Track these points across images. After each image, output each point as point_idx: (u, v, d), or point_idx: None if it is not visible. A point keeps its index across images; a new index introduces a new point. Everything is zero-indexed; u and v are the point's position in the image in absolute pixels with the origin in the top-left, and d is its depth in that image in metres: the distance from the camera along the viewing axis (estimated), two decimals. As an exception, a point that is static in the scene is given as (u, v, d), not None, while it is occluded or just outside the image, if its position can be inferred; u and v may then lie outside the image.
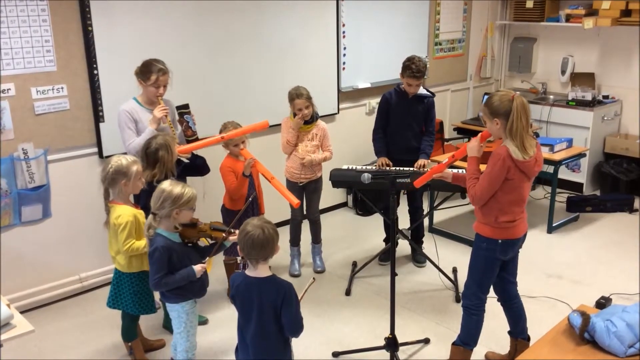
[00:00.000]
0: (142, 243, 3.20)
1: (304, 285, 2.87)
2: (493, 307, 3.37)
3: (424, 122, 4.54)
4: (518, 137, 2.91)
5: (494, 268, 3.17)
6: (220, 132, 4.01)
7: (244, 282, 2.60)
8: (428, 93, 4.53)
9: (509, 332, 3.44)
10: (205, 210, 4.00)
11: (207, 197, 4.46)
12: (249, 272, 2.60)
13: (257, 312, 2.56)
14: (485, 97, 6.44)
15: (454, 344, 3.36)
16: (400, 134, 4.53)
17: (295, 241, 4.68)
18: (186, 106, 4.01)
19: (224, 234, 3.14)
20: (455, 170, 4.21)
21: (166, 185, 2.96)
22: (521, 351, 3.35)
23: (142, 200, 3.48)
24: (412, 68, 4.28)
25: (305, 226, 4.71)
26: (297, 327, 2.59)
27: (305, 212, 4.69)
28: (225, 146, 4.04)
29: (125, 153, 3.70)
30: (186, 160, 3.77)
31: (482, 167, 3.10)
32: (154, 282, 2.97)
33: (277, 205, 4.31)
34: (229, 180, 4.01)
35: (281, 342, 2.64)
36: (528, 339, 3.40)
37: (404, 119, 4.50)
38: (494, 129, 2.98)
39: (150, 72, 3.75)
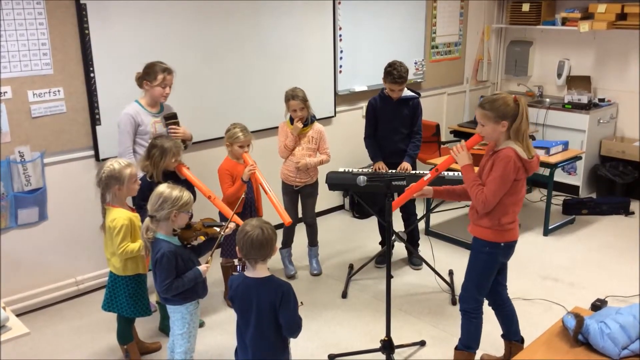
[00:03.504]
0: (136, 245, 3.20)
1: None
2: (487, 310, 3.37)
3: (411, 123, 4.55)
4: (525, 138, 2.95)
5: (494, 271, 3.18)
6: (228, 131, 4.01)
7: (243, 283, 2.62)
8: (413, 94, 4.54)
9: (502, 335, 3.45)
10: (202, 213, 4.00)
11: (203, 200, 4.47)
12: (248, 273, 2.62)
13: (256, 313, 2.57)
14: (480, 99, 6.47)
15: (456, 348, 3.35)
16: (388, 138, 4.55)
17: (286, 243, 4.69)
18: (174, 116, 4.00)
19: (218, 229, 3.17)
20: (451, 174, 4.25)
21: (163, 188, 2.98)
22: (515, 353, 3.35)
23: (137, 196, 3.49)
24: (394, 74, 4.29)
25: (301, 229, 4.72)
26: (294, 328, 2.60)
27: (301, 216, 4.69)
28: (229, 145, 4.03)
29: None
30: (182, 178, 3.78)
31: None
32: (164, 288, 2.96)
33: (272, 209, 4.30)
34: (226, 183, 4.00)
35: (280, 342, 2.64)
36: (522, 340, 3.41)
37: (391, 123, 4.52)
38: (498, 130, 2.96)
39: (156, 72, 3.79)
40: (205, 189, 3.70)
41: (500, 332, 3.46)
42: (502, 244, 3.09)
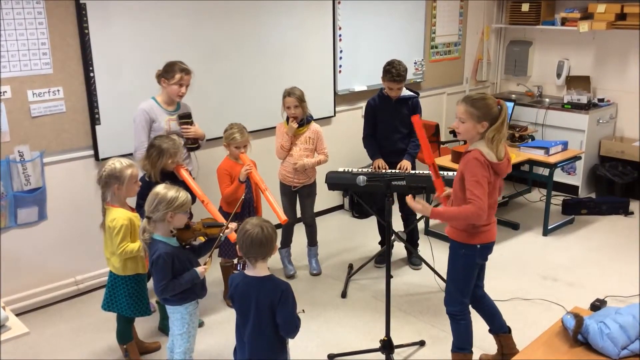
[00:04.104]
0: (135, 246, 3.20)
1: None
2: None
3: (410, 123, 4.54)
4: (501, 142, 2.94)
5: (474, 272, 3.19)
6: (225, 130, 4.04)
7: (243, 281, 2.63)
8: (412, 94, 4.54)
9: (490, 331, 3.46)
10: (202, 214, 4.00)
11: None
12: (248, 272, 2.63)
13: (255, 311, 2.58)
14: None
15: (452, 351, 3.36)
16: (387, 138, 4.55)
17: (285, 243, 4.68)
18: (188, 115, 4.05)
19: (217, 229, 3.16)
20: (451, 173, 4.25)
21: (160, 188, 2.97)
22: (507, 344, 3.37)
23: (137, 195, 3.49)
24: (392, 72, 4.30)
25: (300, 229, 4.72)
26: (291, 328, 2.60)
27: (300, 216, 4.69)
28: (226, 146, 4.05)
29: (123, 155, 3.73)
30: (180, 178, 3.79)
31: (455, 165, 3.08)
32: (160, 289, 2.95)
33: (270, 209, 4.30)
34: (224, 183, 4.01)
35: (277, 341, 2.65)
36: (509, 330, 3.42)
37: (390, 123, 4.52)
38: (477, 130, 2.95)
39: (174, 71, 3.87)
40: (200, 193, 3.69)
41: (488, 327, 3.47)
42: (478, 246, 3.09)
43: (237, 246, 2.60)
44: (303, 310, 2.75)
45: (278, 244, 4.37)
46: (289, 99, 4.29)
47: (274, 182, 4.54)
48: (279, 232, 4.60)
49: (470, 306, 3.36)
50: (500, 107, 2.95)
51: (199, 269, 3.03)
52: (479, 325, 3.38)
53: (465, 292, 3.21)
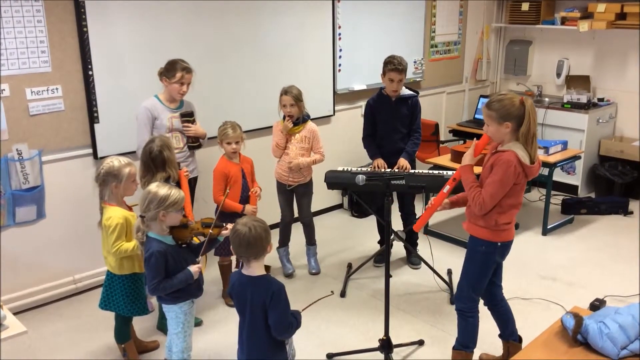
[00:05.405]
0: (130, 245, 3.19)
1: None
2: (485, 309, 3.37)
3: (410, 122, 4.54)
4: (532, 141, 2.93)
5: (490, 270, 3.18)
6: (219, 128, 4.05)
7: (238, 280, 2.63)
8: (411, 93, 4.53)
9: (500, 335, 3.44)
10: (200, 213, 4.00)
11: (202, 200, 4.47)
12: (244, 271, 2.63)
13: (249, 310, 2.58)
14: (483, 99, 6.47)
15: (454, 348, 3.35)
16: (387, 138, 4.53)
17: (284, 242, 4.68)
18: (190, 114, 4.07)
19: (216, 229, 3.14)
20: (450, 173, 4.23)
21: (152, 187, 2.94)
22: (514, 353, 3.35)
23: None
24: (394, 62, 4.29)
25: (300, 228, 4.71)
26: (282, 329, 2.59)
27: (297, 215, 4.67)
28: (220, 144, 4.06)
29: (121, 154, 3.72)
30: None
31: (477, 169, 3.09)
32: (152, 288, 2.93)
33: (267, 208, 4.30)
34: (219, 185, 4.01)
35: (273, 341, 2.63)
36: (520, 340, 3.40)
37: (390, 123, 4.50)
38: (502, 131, 2.94)
39: (175, 69, 3.90)
40: (188, 210, 3.61)
41: (499, 331, 3.45)
42: (499, 244, 3.09)
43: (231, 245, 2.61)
44: (332, 292, 2.73)
45: (275, 242, 4.36)
46: (285, 97, 4.29)
47: (270, 181, 4.54)
48: (277, 231, 4.61)
49: (486, 307, 3.36)
50: (523, 104, 2.90)
51: (193, 269, 3.00)
52: (481, 325, 3.35)
53: (477, 289, 3.20)
